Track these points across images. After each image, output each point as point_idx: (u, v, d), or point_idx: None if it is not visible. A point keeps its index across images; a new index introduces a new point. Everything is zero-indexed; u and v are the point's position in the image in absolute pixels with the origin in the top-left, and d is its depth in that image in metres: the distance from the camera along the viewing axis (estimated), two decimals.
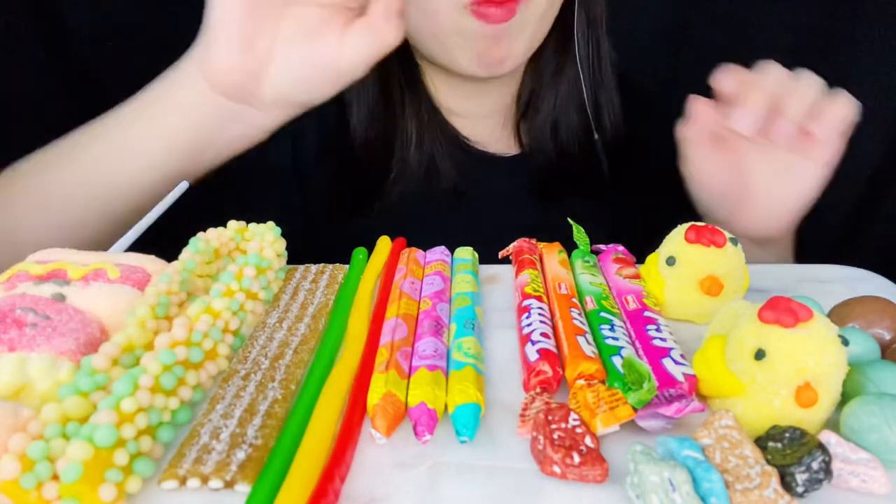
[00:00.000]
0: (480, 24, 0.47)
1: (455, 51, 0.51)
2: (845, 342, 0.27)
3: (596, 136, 0.58)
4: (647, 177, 0.60)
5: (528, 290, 0.33)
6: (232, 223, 0.37)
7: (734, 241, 0.33)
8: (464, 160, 0.57)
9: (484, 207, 0.57)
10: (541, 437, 0.23)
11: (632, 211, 0.59)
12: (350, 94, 0.55)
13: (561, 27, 0.55)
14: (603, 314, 0.31)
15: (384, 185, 0.56)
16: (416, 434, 0.25)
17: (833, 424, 0.25)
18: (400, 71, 0.56)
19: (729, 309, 0.28)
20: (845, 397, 0.25)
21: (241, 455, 0.23)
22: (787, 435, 0.23)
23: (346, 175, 0.57)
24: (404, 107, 0.56)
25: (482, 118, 0.60)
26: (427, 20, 0.50)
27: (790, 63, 0.77)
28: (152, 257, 0.34)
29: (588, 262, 0.37)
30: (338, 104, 0.56)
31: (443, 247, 0.40)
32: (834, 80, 0.74)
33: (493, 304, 0.35)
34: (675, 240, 0.33)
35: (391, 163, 0.56)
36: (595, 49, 0.57)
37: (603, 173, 0.58)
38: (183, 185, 0.43)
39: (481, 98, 0.59)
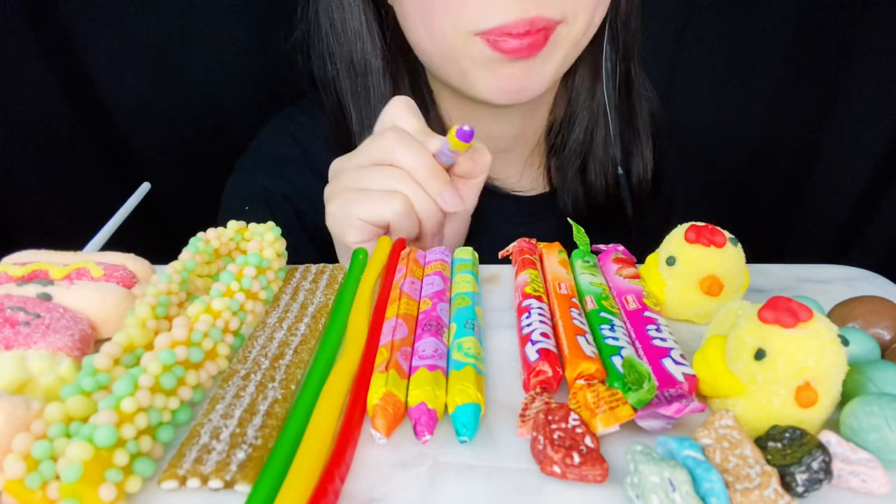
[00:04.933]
0: (499, 55, 0.45)
1: (470, 74, 0.47)
2: (845, 342, 0.27)
3: (620, 171, 0.55)
4: (667, 214, 0.59)
5: (528, 290, 0.33)
6: (232, 223, 0.37)
7: (734, 241, 0.33)
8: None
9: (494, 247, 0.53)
10: (541, 437, 0.23)
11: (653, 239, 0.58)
12: (357, 124, 0.53)
13: (592, 49, 0.52)
14: (603, 314, 0.31)
15: None
16: (416, 434, 0.25)
17: (833, 424, 0.25)
18: (412, 95, 0.53)
19: (729, 309, 0.28)
20: (845, 397, 0.25)
21: (241, 455, 0.23)
22: (787, 435, 0.23)
23: None
24: None
25: (501, 152, 0.56)
26: (435, 43, 0.47)
27: (788, 64, 0.77)
28: (132, 255, 0.34)
29: (588, 262, 0.37)
30: (341, 131, 0.55)
31: (442, 247, 0.40)
32: (833, 82, 0.74)
33: (493, 304, 0.35)
34: (675, 240, 0.33)
35: None
36: (623, 81, 0.55)
37: (626, 213, 0.56)
38: (145, 187, 0.44)
39: (500, 129, 0.56)
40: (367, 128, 0.53)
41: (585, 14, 0.46)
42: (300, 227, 0.56)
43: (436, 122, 0.55)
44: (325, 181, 0.56)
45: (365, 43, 0.52)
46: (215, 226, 0.59)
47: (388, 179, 0.40)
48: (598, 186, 0.56)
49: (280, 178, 0.56)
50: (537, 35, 0.44)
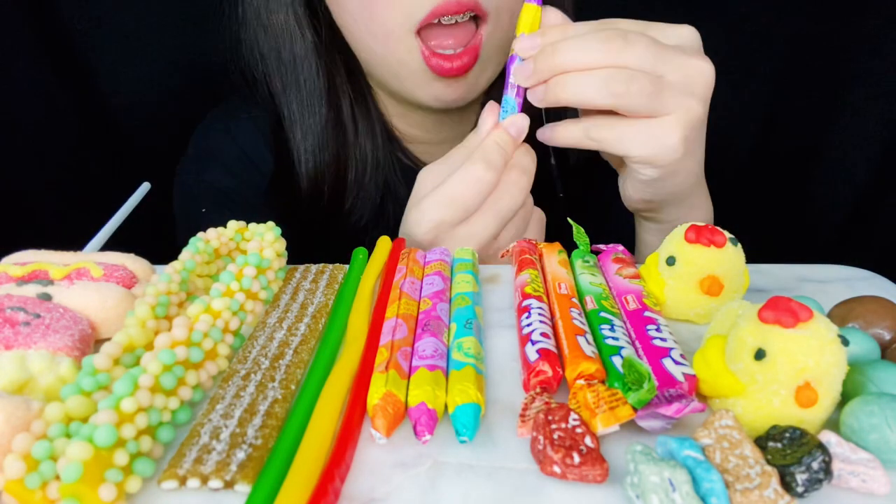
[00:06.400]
0: (432, 74, 0.46)
1: (407, 83, 0.48)
2: (845, 342, 0.27)
3: (553, 162, 0.54)
4: (605, 201, 0.59)
5: (528, 290, 0.33)
6: (232, 223, 0.37)
7: (734, 241, 0.33)
8: None
9: None
10: (541, 437, 0.23)
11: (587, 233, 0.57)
12: (292, 121, 0.52)
13: None
14: (603, 314, 0.31)
15: (339, 216, 0.53)
16: (416, 434, 0.25)
17: (833, 424, 0.25)
18: (350, 92, 0.53)
19: (729, 309, 0.28)
20: (845, 397, 0.25)
21: (241, 455, 0.23)
22: (787, 435, 0.23)
23: (296, 208, 0.54)
24: (357, 130, 0.53)
25: (440, 143, 0.56)
26: (378, 45, 0.47)
27: (788, 64, 0.77)
28: (132, 255, 0.34)
29: (588, 262, 0.37)
30: (276, 132, 0.54)
31: (443, 247, 0.40)
32: (833, 82, 0.74)
33: (493, 304, 0.35)
34: (675, 240, 0.33)
35: (346, 191, 0.53)
36: None
37: (557, 200, 0.55)
38: (145, 187, 0.44)
39: (439, 126, 0.55)
40: (300, 125, 0.52)
41: (508, 13, 0.46)
42: (262, 218, 0.55)
43: (375, 117, 0.54)
44: (265, 176, 0.55)
45: (294, 37, 0.50)
46: (175, 232, 0.58)
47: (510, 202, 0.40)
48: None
49: (227, 175, 0.55)
50: (466, 55, 0.45)
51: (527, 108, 0.41)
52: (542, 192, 0.53)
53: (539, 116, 0.51)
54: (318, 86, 0.51)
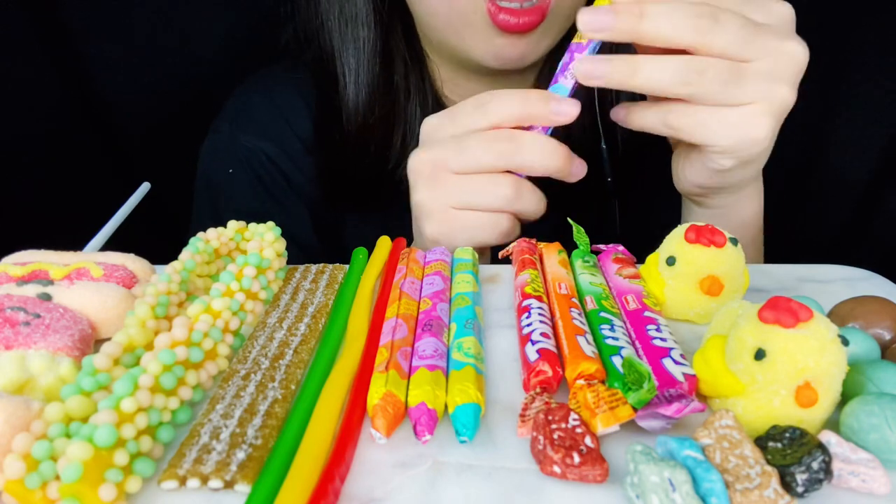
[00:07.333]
0: (496, 30, 0.45)
1: (468, 39, 0.47)
2: (845, 342, 0.27)
3: (603, 146, 0.53)
4: (653, 186, 0.59)
5: (527, 289, 0.33)
6: (232, 223, 0.37)
7: (734, 241, 0.33)
8: None
9: None
10: (541, 437, 0.23)
11: (632, 218, 0.55)
12: (346, 75, 0.52)
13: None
14: (603, 314, 0.31)
15: (381, 177, 0.53)
16: (416, 434, 0.25)
17: (833, 424, 0.25)
18: (406, 55, 0.53)
19: (729, 309, 0.28)
20: (845, 397, 0.25)
21: (241, 455, 0.23)
22: (787, 435, 0.23)
23: (339, 164, 0.54)
24: (409, 93, 0.53)
25: None
26: (442, 3, 0.47)
27: None
28: (132, 255, 0.34)
29: (588, 262, 0.37)
30: (323, 90, 0.53)
31: (443, 247, 0.40)
32: (833, 82, 0.74)
33: (493, 304, 0.35)
34: (675, 240, 0.33)
35: (390, 153, 0.53)
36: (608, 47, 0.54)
37: (605, 184, 0.54)
38: (145, 187, 0.44)
39: None
40: (354, 82, 0.52)
41: None
42: (288, 188, 0.54)
43: (428, 81, 0.54)
44: (304, 143, 0.55)
45: None
46: (192, 195, 0.58)
47: (495, 197, 0.39)
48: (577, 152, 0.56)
49: (262, 138, 0.55)
50: (533, 12, 0.44)
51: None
52: (590, 175, 0.52)
53: (591, 103, 0.50)
54: (375, 45, 0.51)
